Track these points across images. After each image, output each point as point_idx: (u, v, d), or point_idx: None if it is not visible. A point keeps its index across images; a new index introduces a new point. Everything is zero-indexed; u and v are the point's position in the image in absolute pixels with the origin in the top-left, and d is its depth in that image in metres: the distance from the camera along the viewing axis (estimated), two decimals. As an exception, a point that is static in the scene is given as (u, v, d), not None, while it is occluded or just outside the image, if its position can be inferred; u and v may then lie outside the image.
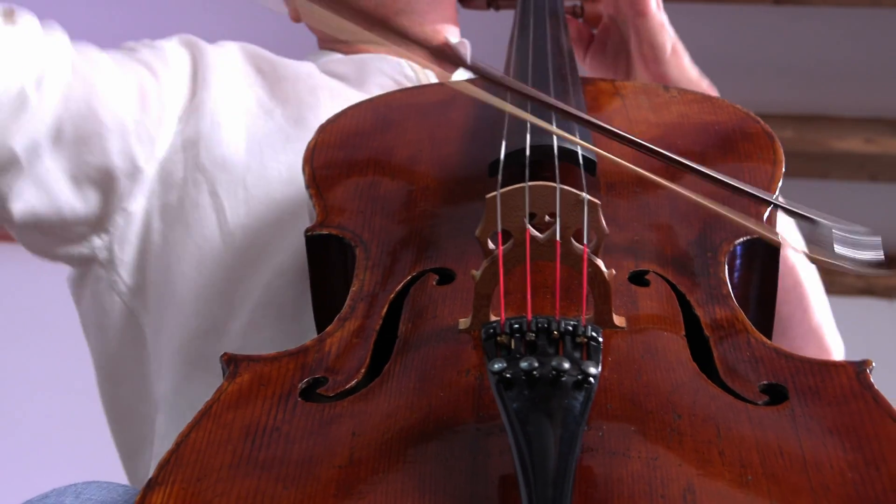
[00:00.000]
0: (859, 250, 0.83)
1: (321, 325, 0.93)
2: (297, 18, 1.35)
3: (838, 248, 0.82)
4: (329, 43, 1.31)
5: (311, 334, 1.04)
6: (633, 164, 0.85)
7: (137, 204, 1.11)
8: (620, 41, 1.24)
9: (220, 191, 1.10)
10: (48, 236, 1.13)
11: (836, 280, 3.61)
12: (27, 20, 1.05)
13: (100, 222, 1.11)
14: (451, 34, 1.32)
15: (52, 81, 1.04)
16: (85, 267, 1.15)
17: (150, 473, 1.05)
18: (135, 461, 1.19)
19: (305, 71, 1.21)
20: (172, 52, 1.17)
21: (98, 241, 1.12)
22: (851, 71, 2.99)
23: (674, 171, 0.93)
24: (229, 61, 1.19)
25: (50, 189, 1.06)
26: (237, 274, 1.09)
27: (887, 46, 2.93)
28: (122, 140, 1.09)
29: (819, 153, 3.16)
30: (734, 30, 2.87)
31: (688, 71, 1.19)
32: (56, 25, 1.09)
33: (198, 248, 1.10)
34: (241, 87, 1.17)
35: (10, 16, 1.04)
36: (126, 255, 1.12)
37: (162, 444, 1.09)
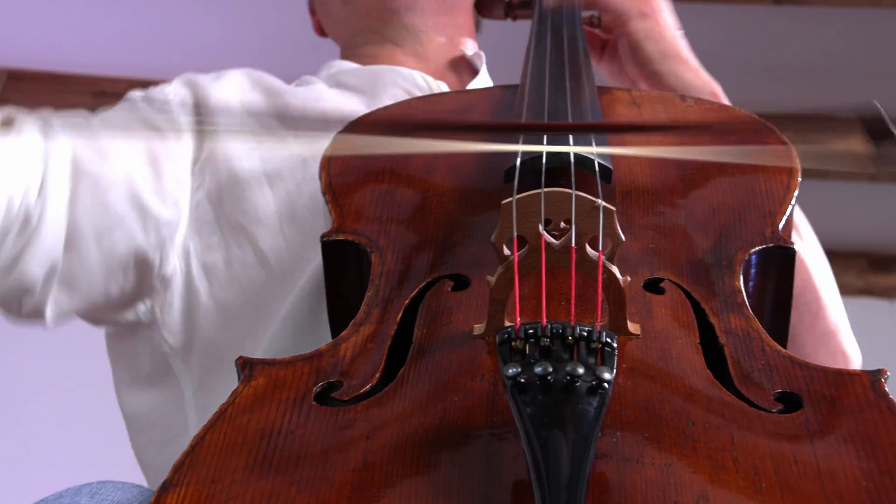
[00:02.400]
0: None
1: (336, 330, 0.94)
2: (321, 32, 1.35)
3: None
4: (347, 55, 1.32)
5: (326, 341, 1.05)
6: (651, 182, 0.85)
7: (174, 268, 1.11)
8: (618, 59, 1.24)
9: (263, 246, 1.10)
10: (91, 317, 1.14)
11: (837, 280, 3.60)
12: (27, 128, 1.06)
13: (139, 294, 1.11)
14: (468, 47, 1.33)
15: (53, 189, 1.04)
16: (131, 328, 1.15)
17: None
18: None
19: (313, 95, 1.21)
20: (176, 101, 1.16)
21: (142, 307, 1.12)
22: (851, 71, 2.99)
23: (688, 181, 0.93)
24: (234, 93, 1.19)
25: (79, 289, 1.07)
26: (270, 304, 1.10)
27: (887, 46, 2.92)
28: (142, 219, 1.08)
29: (819, 153, 3.13)
30: (734, 30, 2.86)
31: (684, 77, 1.18)
32: (58, 123, 1.09)
33: (255, 305, 1.10)
34: (249, 120, 1.17)
35: (8, 125, 1.04)
36: (169, 318, 1.12)
37: None
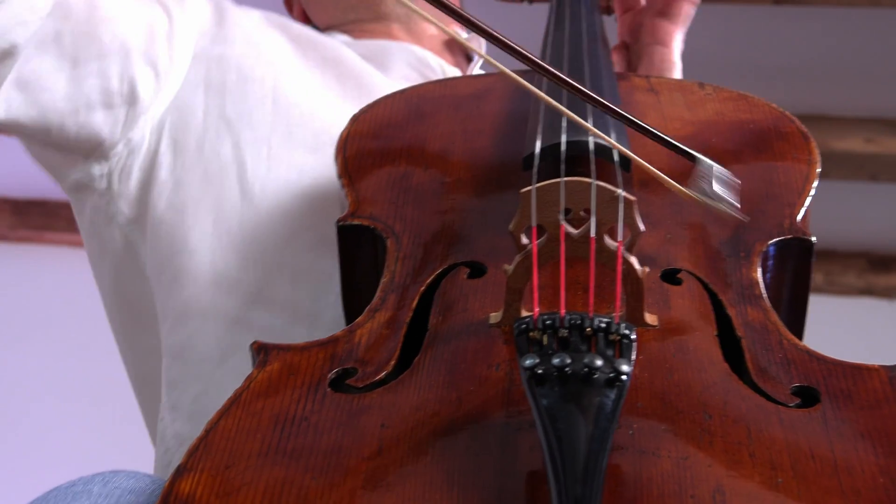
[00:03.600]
0: (733, 194, 0.81)
1: (350, 314, 0.94)
2: (304, 18, 1.34)
3: (717, 188, 0.80)
4: (335, 27, 1.30)
5: (334, 314, 1.05)
6: (669, 171, 0.84)
7: (141, 135, 1.09)
8: (629, 64, 1.23)
9: (244, 145, 1.09)
10: (41, 148, 1.11)
11: (836, 280, 3.59)
12: None
13: (98, 148, 1.09)
14: (460, 29, 1.32)
15: None
16: (83, 193, 1.13)
17: (162, 422, 1.05)
18: (150, 407, 1.18)
19: (346, 54, 1.20)
20: (194, 3, 1.16)
21: (97, 169, 1.10)
22: (851, 71, 2.98)
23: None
24: (255, 21, 1.19)
25: (37, 97, 1.04)
26: (253, 231, 1.07)
27: (887, 46, 2.91)
28: (123, 63, 1.07)
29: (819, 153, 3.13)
30: (734, 30, 2.85)
31: None
32: None
33: (216, 197, 1.08)
34: (268, 45, 1.16)
35: None
36: (127, 188, 1.10)
37: (170, 392, 1.08)
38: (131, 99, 1.08)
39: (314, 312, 1.05)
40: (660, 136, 0.81)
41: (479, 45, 1.28)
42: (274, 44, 1.17)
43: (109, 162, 1.10)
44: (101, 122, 1.08)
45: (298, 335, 1.04)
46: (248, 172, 1.09)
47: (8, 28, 0.98)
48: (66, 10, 1.03)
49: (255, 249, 1.07)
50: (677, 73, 1.19)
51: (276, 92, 1.13)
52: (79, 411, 3.12)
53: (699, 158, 0.81)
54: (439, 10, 0.72)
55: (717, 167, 0.80)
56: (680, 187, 0.80)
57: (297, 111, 1.12)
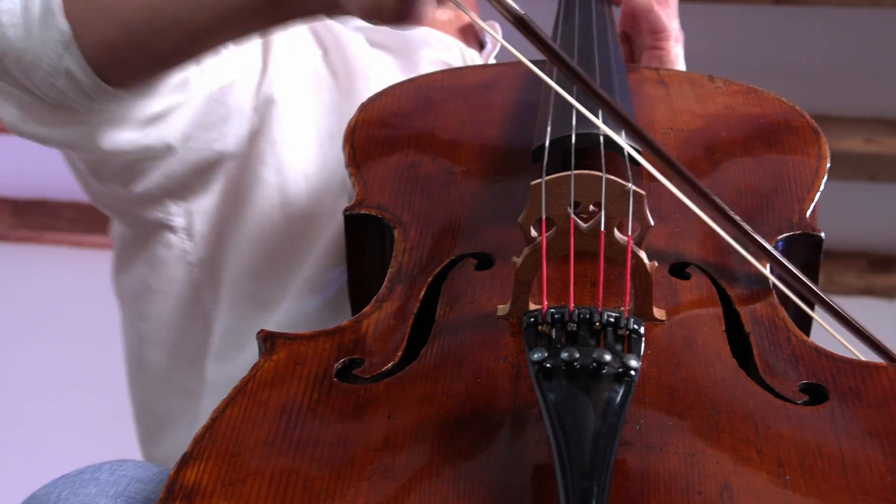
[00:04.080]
0: None
1: (356, 304, 0.93)
2: None
3: None
4: None
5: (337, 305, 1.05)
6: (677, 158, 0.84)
7: (219, 180, 1.10)
8: (630, 53, 1.22)
9: (286, 171, 1.09)
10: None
11: (836, 280, 3.59)
12: None
13: (180, 191, 1.10)
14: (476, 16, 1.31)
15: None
16: (152, 231, 1.13)
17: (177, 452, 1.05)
18: (159, 436, 1.18)
19: (355, 41, 1.19)
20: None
21: (174, 208, 1.10)
22: (851, 71, 2.97)
23: (716, 164, 0.92)
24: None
25: (169, 172, 1.06)
26: (290, 254, 1.08)
27: (887, 46, 2.90)
28: (238, 121, 1.08)
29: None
30: (734, 30, 2.85)
31: None
32: None
33: (259, 225, 1.09)
34: (301, 53, 1.16)
35: None
36: (202, 227, 1.11)
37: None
38: (235, 153, 1.09)
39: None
40: (664, 155, 0.80)
41: (497, 31, 1.27)
42: (304, 49, 1.16)
43: (188, 201, 1.10)
44: (204, 176, 1.09)
45: None
46: (290, 199, 1.09)
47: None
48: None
49: (292, 271, 1.08)
50: (679, 67, 1.18)
51: (308, 109, 1.12)
52: (78, 411, 3.12)
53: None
54: None
55: None
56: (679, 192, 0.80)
57: (326, 128, 1.11)
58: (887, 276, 3.74)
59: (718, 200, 0.79)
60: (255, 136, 1.09)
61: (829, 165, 0.95)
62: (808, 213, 0.89)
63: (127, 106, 0.96)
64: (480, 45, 1.29)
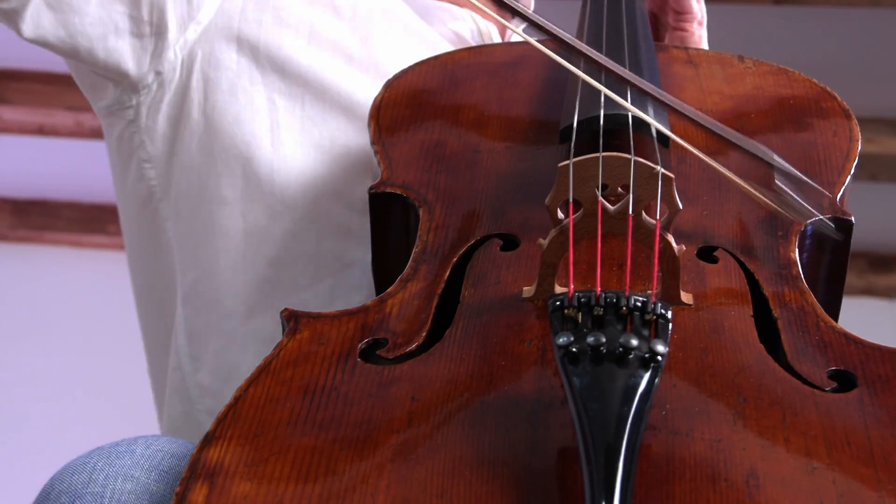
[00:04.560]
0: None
1: (380, 283, 0.93)
2: None
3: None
4: None
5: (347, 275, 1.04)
6: (707, 146, 0.83)
7: (170, 66, 1.07)
8: (656, 33, 1.21)
9: (277, 99, 1.07)
10: (79, 67, 1.09)
11: None
12: None
13: (125, 78, 1.07)
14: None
15: None
16: (111, 118, 1.11)
17: (178, 371, 1.04)
18: (160, 358, 1.17)
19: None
20: None
21: (126, 99, 1.08)
22: (851, 71, 2.95)
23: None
24: None
25: (67, 20, 1.02)
26: (282, 186, 1.06)
27: (887, 46, 2.89)
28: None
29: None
30: (734, 30, 2.83)
31: None
32: None
33: (246, 145, 1.06)
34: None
35: None
36: (156, 122, 1.08)
37: (190, 342, 1.07)
38: (160, 28, 1.05)
39: (339, 268, 1.04)
40: (697, 118, 0.80)
41: (529, 4, 1.26)
42: None
43: (139, 94, 1.08)
44: (128, 51, 1.05)
45: (323, 290, 1.04)
46: (280, 129, 1.07)
47: None
48: None
49: (284, 204, 1.06)
50: (703, 45, 1.17)
51: (311, 43, 1.09)
52: (79, 410, 3.13)
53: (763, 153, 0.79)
54: None
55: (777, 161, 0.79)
56: (719, 166, 0.79)
57: (332, 68, 1.09)
58: (887, 276, 3.73)
59: (750, 142, 0.78)
60: (241, 47, 1.07)
61: (860, 148, 0.94)
62: (839, 196, 0.88)
63: None
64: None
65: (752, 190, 0.81)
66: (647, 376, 0.62)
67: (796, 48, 2.92)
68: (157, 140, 1.09)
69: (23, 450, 3.18)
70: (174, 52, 1.07)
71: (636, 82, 0.81)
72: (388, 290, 0.79)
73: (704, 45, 1.16)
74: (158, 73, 1.07)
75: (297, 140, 1.07)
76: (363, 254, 0.98)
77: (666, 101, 0.76)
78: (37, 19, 1.01)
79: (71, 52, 1.05)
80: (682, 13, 1.15)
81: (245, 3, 1.09)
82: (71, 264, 3.27)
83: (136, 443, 0.77)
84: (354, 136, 1.07)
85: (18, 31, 1.02)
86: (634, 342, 0.62)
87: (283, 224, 1.06)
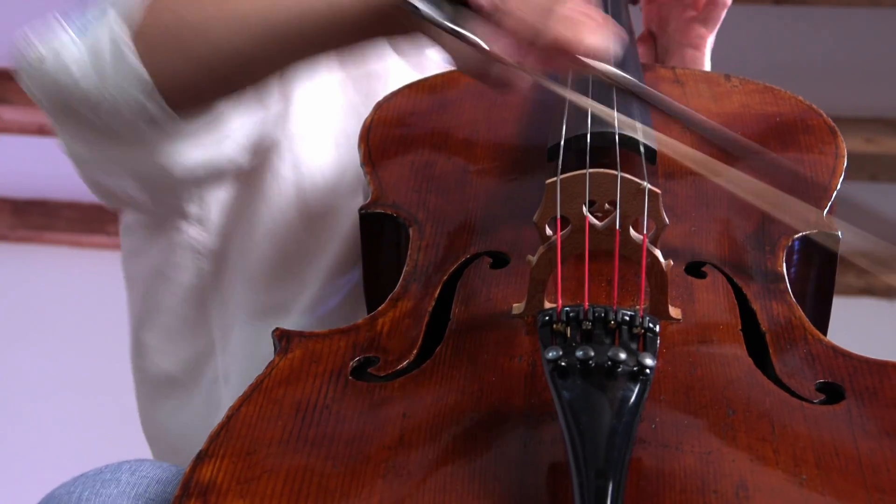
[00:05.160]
0: None
1: (372, 303, 0.93)
2: None
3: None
4: None
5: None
6: (693, 155, 0.83)
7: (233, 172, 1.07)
8: (654, 53, 1.22)
9: (304, 168, 1.08)
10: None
11: (837, 280, 3.59)
12: None
13: (198, 182, 1.06)
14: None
15: None
16: (166, 216, 1.11)
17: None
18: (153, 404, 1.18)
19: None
20: None
21: (188, 196, 1.07)
22: (851, 71, 2.96)
23: (732, 162, 0.91)
24: None
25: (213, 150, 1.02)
26: (307, 250, 1.08)
27: (887, 46, 2.90)
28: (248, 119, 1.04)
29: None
30: (734, 30, 2.85)
31: None
32: None
33: (273, 220, 1.07)
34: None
35: None
36: (212, 216, 1.08)
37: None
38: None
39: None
40: (691, 118, 0.80)
41: None
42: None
43: (202, 188, 1.08)
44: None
45: None
46: (307, 196, 1.08)
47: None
48: None
49: (310, 270, 1.08)
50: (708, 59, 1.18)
51: (323, 111, 1.10)
52: (79, 411, 3.12)
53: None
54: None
55: None
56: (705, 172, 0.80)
57: (342, 130, 1.10)
58: (887, 276, 3.72)
59: (738, 137, 0.79)
60: (272, 130, 1.08)
61: (846, 164, 0.94)
62: (825, 211, 0.89)
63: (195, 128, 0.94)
64: None
65: (744, 194, 0.81)
66: (636, 389, 0.62)
67: (796, 48, 2.93)
68: (216, 234, 1.09)
69: (23, 449, 3.17)
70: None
71: (624, 82, 0.81)
72: (379, 308, 0.80)
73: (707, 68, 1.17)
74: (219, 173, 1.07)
75: (318, 205, 1.07)
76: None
77: (654, 99, 0.76)
78: (188, 154, 1.00)
79: (213, 171, 1.05)
80: (705, 28, 1.13)
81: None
82: (71, 264, 3.25)
83: (120, 469, 0.76)
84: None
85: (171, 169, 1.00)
86: (623, 356, 0.63)
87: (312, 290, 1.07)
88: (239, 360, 1.08)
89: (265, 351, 0.79)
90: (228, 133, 0.99)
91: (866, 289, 3.65)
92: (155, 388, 1.16)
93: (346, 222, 1.07)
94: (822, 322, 0.88)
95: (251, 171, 1.08)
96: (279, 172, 1.08)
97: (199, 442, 0.68)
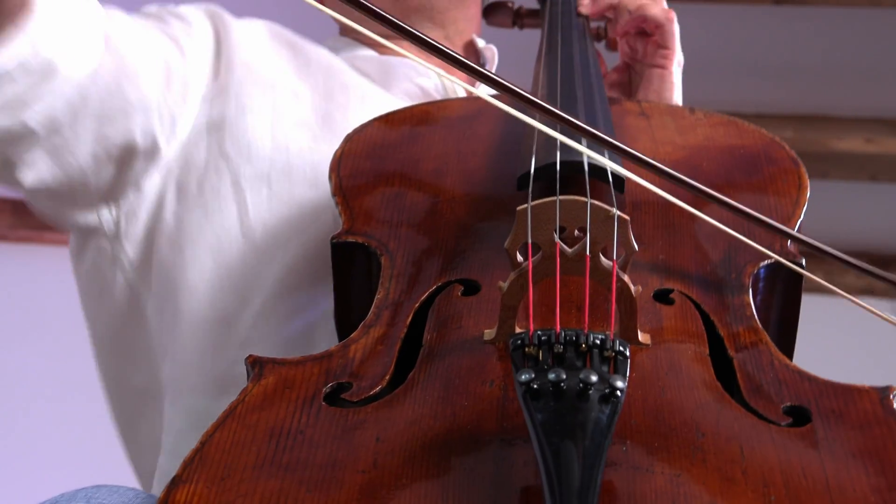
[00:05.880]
0: None
1: (342, 330, 0.94)
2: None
3: None
4: (353, 33, 1.30)
5: (316, 333, 1.05)
6: (660, 188, 0.85)
7: (152, 182, 1.10)
8: (629, 85, 1.25)
9: (244, 183, 1.09)
10: (55, 201, 1.10)
11: (836, 280, 3.61)
12: None
13: (110, 194, 1.09)
14: (477, 40, 1.33)
15: (84, 55, 1.00)
16: (88, 237, 1.13)
17: (162, 470, 1.04)
18: (139, 446, 1.18)
19: (337, 66, 1.20)
20: (198, 26, 1.14)
21: (106, 213, 1.10)
22: (851, 71, 2.99)
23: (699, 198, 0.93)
24: (255, 38, 1.17)
25: (63, 160, 1.03)
26: (253, 269, 1.08)
27: (887, 46, 2.93)
28: (145, 118, 1.07)
29: (819, 153, 3.11)
30: (734, 30, 2.87)
31: None
32: None
33: (216, 236, 1.08)
34: (266, 66, 1.16)
35: None
36: (133, 230, 1.10)
37: (168, 434, 1.08)
38: (152, 152, 1.09)
39: (307, 347, 1.06)
40: (651, 163, 0.82)
41: (493, 56, 1.29)
42: (274, 65, 1.17)
43: (118, 205, 1.10)
44: (121, 174, 1.08)
45: None
46: (249, 212, 1.09)
47: (51, 105, 0.99)
48: (98, 73, 1.02)
49: (255, 287, 1.08)
50: (677, 91, 1.21)
51: (275, 123, 1.12)
52: (78, 411, 3.10)
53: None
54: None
55: None
56: (676, 200, 0.81)
57: (296, 144, 1.12)
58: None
59: (707, 189, 0.81)
60: (209, 146, 1.09)
61: (808, 195, 0.96)
62: (789, 241, 0.91)
63: None
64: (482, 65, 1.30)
65: (711, 220, 0.83)
66: (607, 411, 0.63)
67: (796, 48, 2.95)
68: (136, 247, 1.11)
69: (23, 449, 3.14)
70: (158, 167, 1.09)
71: (589, 129, 0.83)
72: (352, 336, 0.80)
73: (678, 91, 1.19)
74: (138, 187, 1.10)
75: (266, 221, 1.09)
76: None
77: (620, 147, 0.78)
78: (38, 169, 1.03)
79: (63, 187, 1.06)
80: (665, 49, 1.19)
81: (212, 104, 1.11)
82: (71, 264, 3.24)
83: (75, 498, 0.76)
84: (322, 205, 1.08)
85: (19, 182, 1.03)
86: (594, 378, 0.64)
87: (253, 308, 1.07)
88: (190, 369, 1.08)
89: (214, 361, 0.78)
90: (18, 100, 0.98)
91: (866, 289, 3.67)
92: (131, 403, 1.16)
93: (293, 250, 1.08)
94: (787, 346, 0.89)
95: (183, 181, 1.09)
96: (222, 190, 1.09)
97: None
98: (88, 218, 1.11)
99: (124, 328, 1.15)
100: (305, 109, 1.14)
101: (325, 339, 1.03)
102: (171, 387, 1.09)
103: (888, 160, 3.19)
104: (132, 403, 1.17)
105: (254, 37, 1.18)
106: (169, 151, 1.09)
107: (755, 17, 2.87)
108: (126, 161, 1.08)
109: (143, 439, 1.15)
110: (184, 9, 1.16)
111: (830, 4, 2.80)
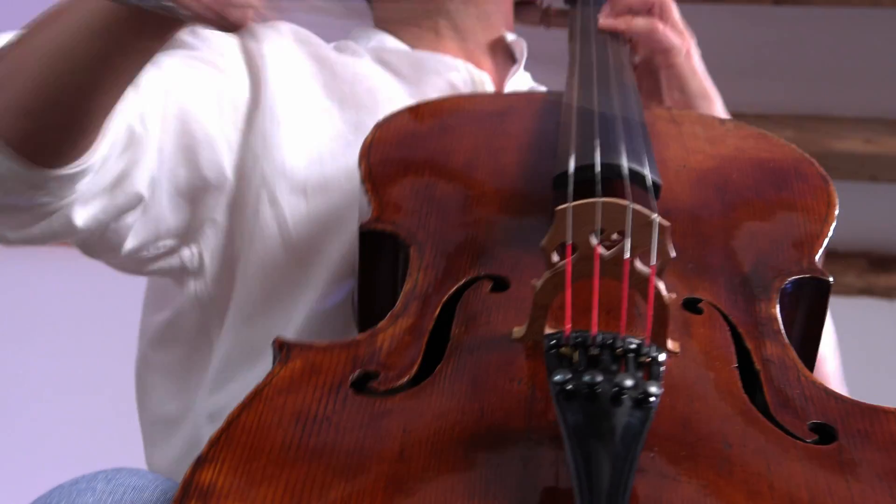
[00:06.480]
0: None
1: (364, 318, 0.93)
2: None
3: None
4: (386, 24, 1.29)
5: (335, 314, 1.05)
6: (691, 202, 0.85)
7: (222, 213, 1.10)
8: (654, 84, 1.24)
9: (281, 199, 1.08)
10: (141, 257, 1.09)
11: (837, 280, 3.61)
12: None
13: (189, 234, 1.09)
14: (508, 34, 1.32)
15: (152, 111, 1.01)
16: (178, 278, 1.13)
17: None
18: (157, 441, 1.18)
19: (363, 71, 1.19)
20: (225, 44, 1.13)
21: (187, 253, 1.10)
22: (851, 71, 2.98)
23: (728, 204, 0.93)
24: (284, 50, 1.17)
25: (153, 215, 1.04)
26: (296, 281, 1.08)
27: (887, 46, 2.92)
28: (211, 151, 1.07)
29: (819, 153, 3.12)
30: (734, 30, 2.86)
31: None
32: None
33: (260, 260, 1.08)
34: (297, 79, 1.15)
35: None
36: (213, 266, 1.10)
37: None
38: (220, 183, 1.08)
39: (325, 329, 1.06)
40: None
41: (522, 48, 1.28)
42: (304, 81, 1.15)
43: (199, 244, 1.10)
44: (193, 211, 1.08)
45: None
46: (289, 227, 1.08)
47: (147, 166, 1.00)
48: (164, 119, 1.03)
49: (297, 301, 1.08)
50: (700, 77, 1.20)
51: (309, 138, 1.11)
52: (79, 411, 3.09)
53: None
54: None
55: None
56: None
57: (330, 155, 1.11)
58: (887, 276, 3.75)
59: None
60: (252, 166, 1.09)
61: (837, 212, 0.96)
62: (817, 257, 0.91)
63: (82, 182, 0.94)
64: (512, 59, 1.30)
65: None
66: (640, 416, 0.63)
67: (796, 48, 2.94)
68: (218, 283, 1.11)
69: (23, 449, 3.13)
70: (226, 197, 1.09)
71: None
72: (379, 324, 0.80)
73: (701, 76, 1.19)
74: (213, 221, 1.10)
75: (304, 232, 1.08)
76: None
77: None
78: (136, 232, 1.04)
79: (154, 239, 1.07)
80: (666, 50, 1.18)
81: (251, 123, 1.10)
82: (71, 264, 3.23)
83: (96, 479, 0.76)
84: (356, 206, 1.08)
85: (118, 254, 1.04)
86: (629, 382, 0.63)
87: (295, 324, 1.08)
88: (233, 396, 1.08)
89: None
90: (125, 175, 0.99)
91: (866, 289, 3.66)
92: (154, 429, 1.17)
93: (336, 245, 1.08)
94: (809, 364, 0.89)
95: (235, 206, 1.09)
96: (259, 208, 1.09)
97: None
98: (171, 262, 1.10)
99: (192, 363, 1.14)
100: (336, 123, 1.13)
101: (342, 321, 1.03)
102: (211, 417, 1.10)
103: (888, 160, 3.19)
104: (159, 428, 1.17)
105: (283, 51, 1.16)
106: (232, 179, 1.09)
107: (755, 17, 2.86)
108: (199, 197, 1.08)
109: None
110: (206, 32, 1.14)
111: (830, 4, 2.79)
